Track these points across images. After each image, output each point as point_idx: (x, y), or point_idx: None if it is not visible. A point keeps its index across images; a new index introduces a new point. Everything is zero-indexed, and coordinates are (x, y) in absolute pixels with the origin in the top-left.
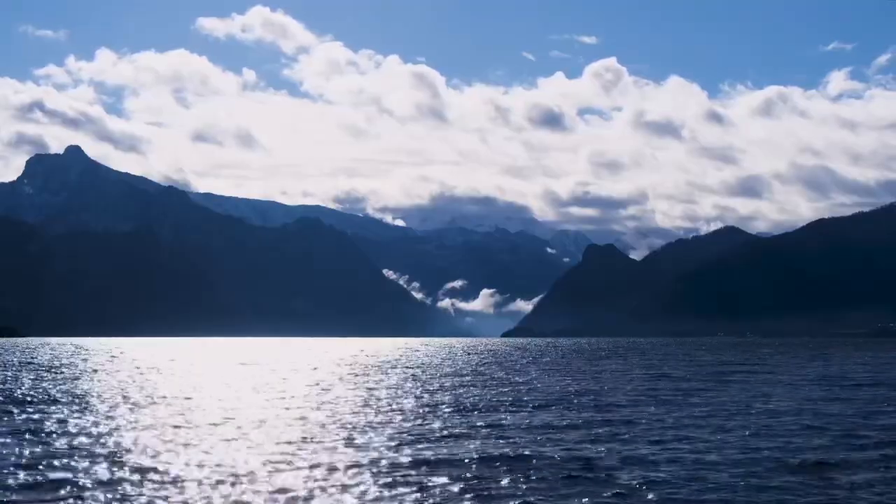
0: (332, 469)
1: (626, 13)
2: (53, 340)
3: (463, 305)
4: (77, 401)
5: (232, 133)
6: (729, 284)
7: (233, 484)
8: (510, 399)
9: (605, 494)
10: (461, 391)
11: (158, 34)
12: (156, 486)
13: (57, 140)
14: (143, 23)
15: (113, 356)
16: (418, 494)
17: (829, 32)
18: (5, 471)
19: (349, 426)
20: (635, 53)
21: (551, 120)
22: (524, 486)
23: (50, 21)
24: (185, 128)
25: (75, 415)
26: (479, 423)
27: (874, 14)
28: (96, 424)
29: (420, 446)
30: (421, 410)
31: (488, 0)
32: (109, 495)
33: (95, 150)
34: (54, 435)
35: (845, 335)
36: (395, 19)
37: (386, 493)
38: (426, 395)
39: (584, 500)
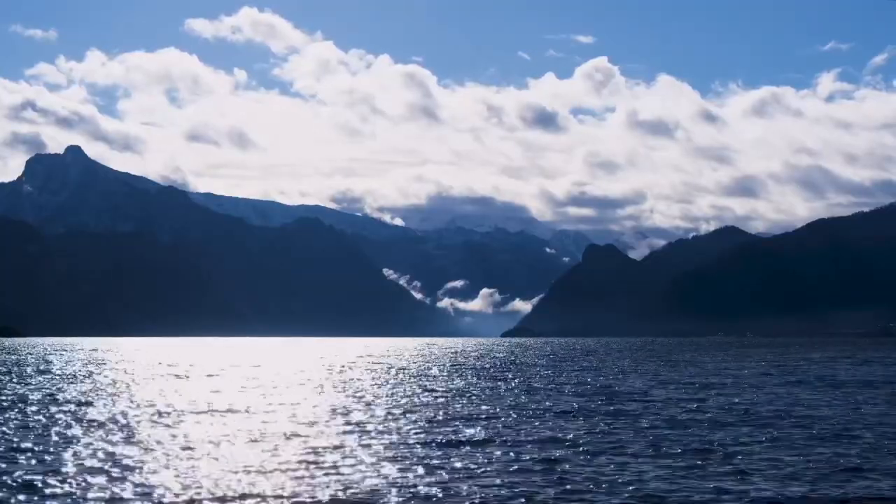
0: None
1: (623, 12)
2: (53, 340)
3: (462, 305)
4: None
5: (227, 133)
6: (728, 284)
7: None
8: None
9: None
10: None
11: (147, 36)
12: None
13: (52, 140)
14: (132, 25)
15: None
16: None
17: (828, 32)
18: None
19: None
20: (632, 53)
21: (545, 120)
22: None
23: (39, 21)
24: (180, 127)
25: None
26: None
27: (871, 14)
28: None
29: None
30: None
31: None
32: None
33: (90, 150)
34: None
35: (845, 335)
36: (384, 18)
37: None
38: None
39: None
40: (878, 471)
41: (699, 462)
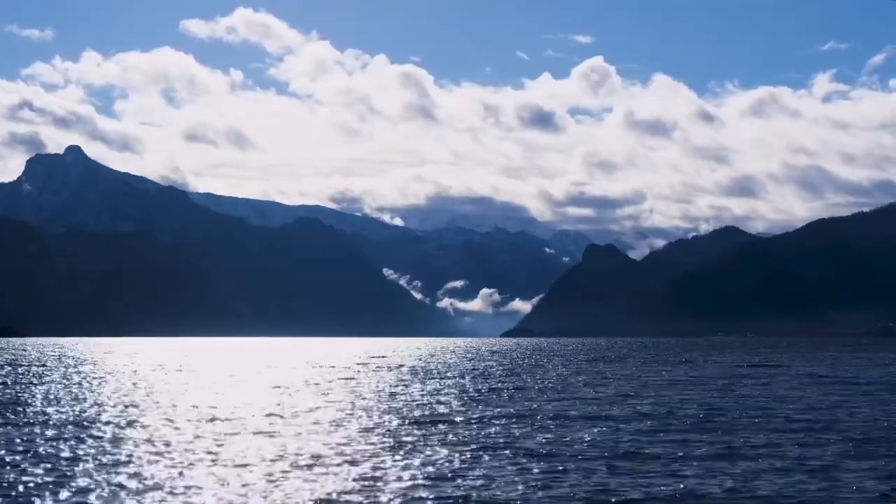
0: None
1: (621, 12)
2: (52, 341)
3: (462, 305)
4: None
5: (225, 133)
6: (729, 284)
7: None
8: None
9: None
10: None
11: (143, 36)
12: None
13: (51, 141)
14: (128, 25)
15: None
16: None
17: (826, 32)
18: None
19: None
20: (629, 53)
21: (542, 120)
22: None
23: (35, 21)
24: (178, 127)
25: None
26: None
27: (870, 14)
28: None
29: None
30: None
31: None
32: None
33: (89, 151)
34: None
35: (845, 335)
36: (381, 18)
37: None
38: None
39: None
40: None
41: None
